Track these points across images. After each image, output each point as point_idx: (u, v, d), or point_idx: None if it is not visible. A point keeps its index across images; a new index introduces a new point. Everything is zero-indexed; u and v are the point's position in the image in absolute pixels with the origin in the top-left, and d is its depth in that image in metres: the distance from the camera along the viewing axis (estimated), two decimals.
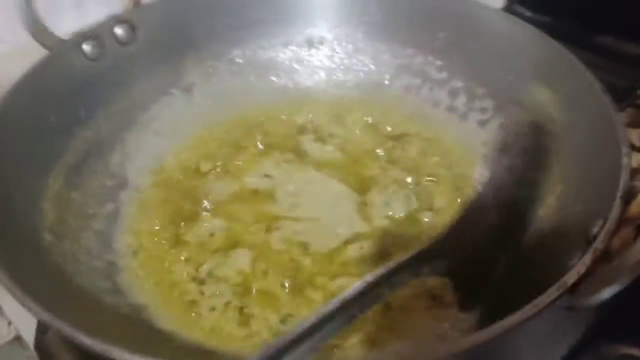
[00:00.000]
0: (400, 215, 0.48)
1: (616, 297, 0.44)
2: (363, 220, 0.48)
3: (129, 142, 0.52)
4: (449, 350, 0.28)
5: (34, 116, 0.45)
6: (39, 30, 0.48)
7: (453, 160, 0.53)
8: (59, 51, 0.48)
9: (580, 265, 0.31)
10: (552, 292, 0.30)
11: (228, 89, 0.58)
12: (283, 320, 0.41)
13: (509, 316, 0.29)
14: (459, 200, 0.49)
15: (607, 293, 0.29)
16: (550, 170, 0.45)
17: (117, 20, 0.52)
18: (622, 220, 0.34)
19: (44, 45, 0.48)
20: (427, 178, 0.51)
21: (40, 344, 0.57)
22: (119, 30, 0.52)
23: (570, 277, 0.30)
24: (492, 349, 0.42)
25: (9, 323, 0.59)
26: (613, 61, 0.62)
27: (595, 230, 0.34)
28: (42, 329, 0.57)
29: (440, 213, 0.48)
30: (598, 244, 0.32)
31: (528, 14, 0.69)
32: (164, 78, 0.56)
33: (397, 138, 0.55)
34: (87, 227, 0.45)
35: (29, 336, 0.59)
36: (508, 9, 0.68)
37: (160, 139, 0.54)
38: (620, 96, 0.53)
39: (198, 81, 0.57)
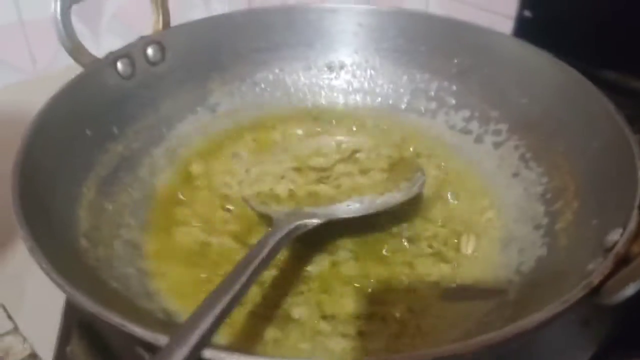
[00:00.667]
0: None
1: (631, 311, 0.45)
2: None
3: (157, 157, 0.54)
4: (467, 347, 0.29)
5: (70, 128, 0.47)
6: (76, 48, 0.50)
7: (467, 181, 0.54)
8: (95, 69, 0.51)
9: (604, 267, 0.32)
10: (579, 291, 0.31)
11: (250, 109, 0.61)
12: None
13: (537, 313, 0.30)
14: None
15: (632, 289, 0.31)
16: (566, 188, 0.47)
17: (148, 41, 0.54)
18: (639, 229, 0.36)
19: (80, 63, 0.50)
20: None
21: (61, 357, 0.58)
22: (149, 51, 0.54)
23: (596, 278, 0.32)
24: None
25: (24, 340, 0.60)
26: (617, 94, 0.65)
27: (614, 238, 0.35)
28: (63, 342, 0.58)
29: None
30: (619, 249, 0.34)
31: None
32: (191, 97, 0.58)
33: (412, 159, 0.57)
34: (119, 235, 0.47)
35: (44, 353, 0.60)
36: None
37: (186, 154, 0.56)
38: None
39: (222, 101, 0.60)
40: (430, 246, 0.48)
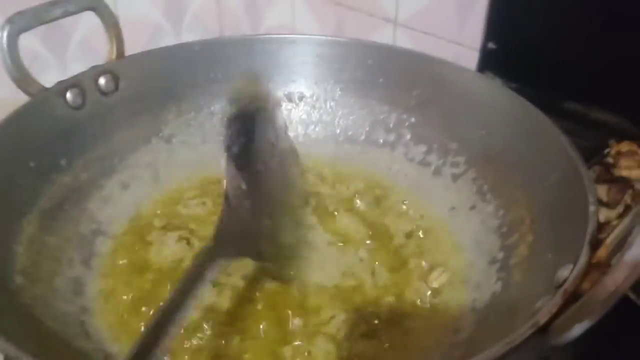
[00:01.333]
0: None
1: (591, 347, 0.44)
2: None
3: (107, 190, 0.53)
4: None
5: (12, 160, 0.45)
6: (22, 78, 0.48)
7: (424, 213, 0.54)
8: (42, 98, 0.49)
9: (551, 305, 0.31)
10: (524, 331, 0.30)
11: (207, 140, 0.59)
12: None
13: (481, 354, 0.29)
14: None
15: (578, 330, 0.29)
16: (522, 221, 0.46)
17: (100, 70, 0.53)
18: (590, 265, 0.35)
19: (27, 93, 0.49)
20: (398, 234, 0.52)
21: None
22: (101, 80, 0.53)
23: (542, 317, 0.31)
24: None
25: None
26: (579, 125, 0.65)
27: (564, 274, 0.34)
28: None
29: None
30: (568, 286, 0.33)
31: (499, 80, 0.72)
32: (145, 128, 0.56)
33: (368, 192, 0.56)
34: (61, 272, 0.45)
35: None
36: None
37: (138, 188, 0.55)
38: (588, 156, 0.55)
39: (178, 132, 0.58)
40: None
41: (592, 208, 0.38)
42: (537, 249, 0.43)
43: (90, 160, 0.52)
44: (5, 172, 0.44)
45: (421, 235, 0.52)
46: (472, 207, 0.51)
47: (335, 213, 0.53)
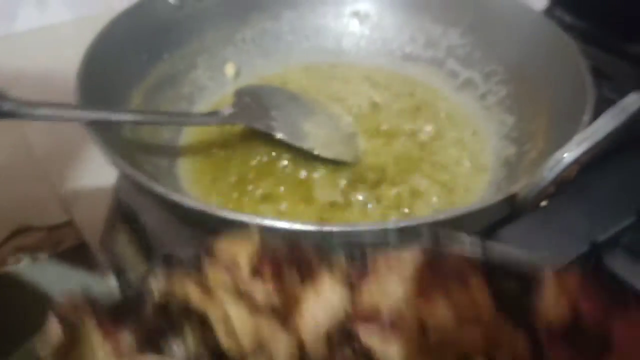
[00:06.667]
0: None
1: None
2: None
3: (198, 80, 0.64)
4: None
5: (127, 44, 0.57)
6: None
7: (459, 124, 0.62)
8: None
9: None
10: (499, 196, 0.39)
11: (279, 47, 0.69)
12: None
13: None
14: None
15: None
16: (538, 131, 0.54)
17: None
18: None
19: None
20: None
21: (106, 242, 0.68)
22: None
23: (516, 187, 0.40)
24: None
25: (77, 230, 0.70)
26: None
27: None
28: (109, 230, 0.68)
29: None
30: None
31: (567, 18, 0.75)
32: (230, 30, 0.67)
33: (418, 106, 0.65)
34: (159, 135, 0.57)
35: (94, 242, 0.70)
36: (549, 13, 0.72)
37: (223, 80, 0.66)
38: None
39: (256, 37, 0.69)
40: None
41: (585, 117, 0.45)
42: (544, 152, 0.50)
43: (186, 53, 0.63)
44: (123, 56, 0.56)
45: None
46: (501, 121, 0.59)
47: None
